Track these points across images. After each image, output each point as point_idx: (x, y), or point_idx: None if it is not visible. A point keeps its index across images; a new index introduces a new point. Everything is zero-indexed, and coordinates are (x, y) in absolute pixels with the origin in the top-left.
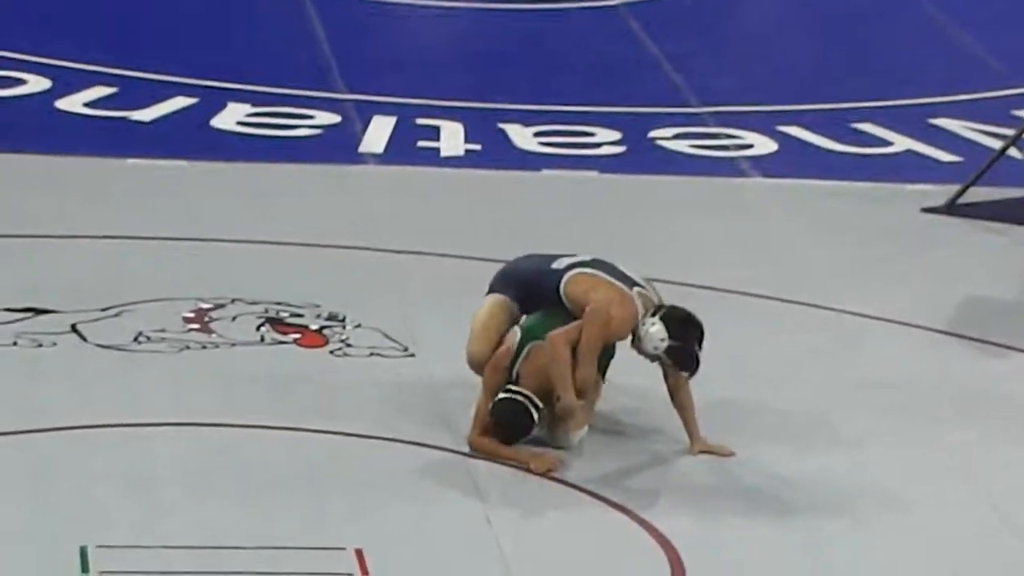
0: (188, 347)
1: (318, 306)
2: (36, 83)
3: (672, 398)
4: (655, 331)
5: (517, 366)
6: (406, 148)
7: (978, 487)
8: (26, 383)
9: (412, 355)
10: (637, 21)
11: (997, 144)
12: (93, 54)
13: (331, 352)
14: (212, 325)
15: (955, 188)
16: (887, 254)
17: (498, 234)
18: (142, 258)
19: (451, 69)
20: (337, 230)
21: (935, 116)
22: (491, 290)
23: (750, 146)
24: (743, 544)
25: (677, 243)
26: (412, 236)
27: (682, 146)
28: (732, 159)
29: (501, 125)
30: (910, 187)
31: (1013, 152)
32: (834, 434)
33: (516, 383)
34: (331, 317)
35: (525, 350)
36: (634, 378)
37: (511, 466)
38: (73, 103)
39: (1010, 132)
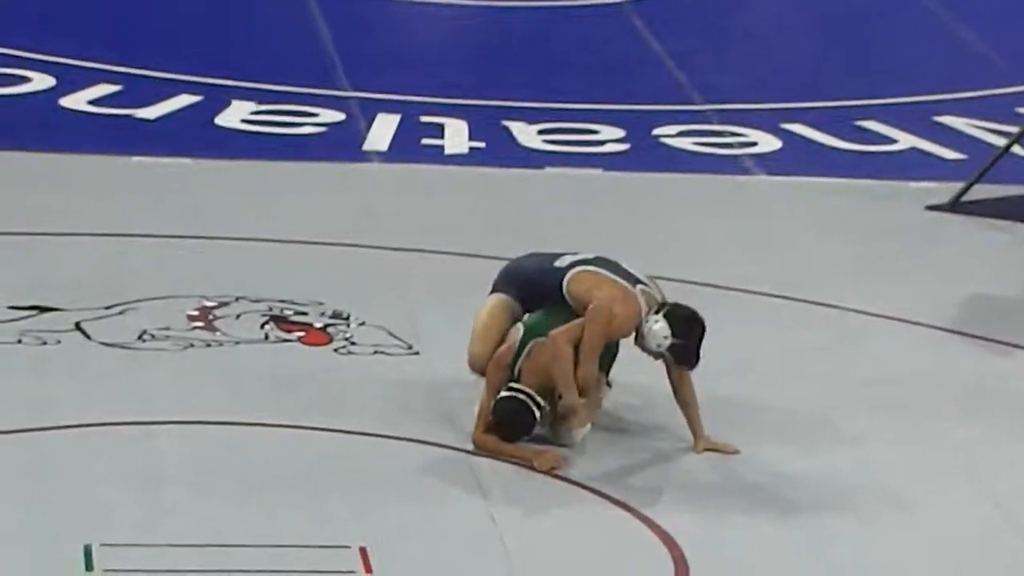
0: (192, 345)
1: (322, 304)
2: (40, 81)
3: (675, 395)
4: (659, 329)
5: (519, 364)
6: (410, 146)
7: (981, 485)
8: (30, 381)
9: (416, 353)
10: (641, 18)
11: (1001, 142)
12: (97, 52)
13: (335, 350)
14: (216, 323)
15: (959, 186)
16: (891, 252)
17: (502, 232)
18: (146, 256)
19: (455, 67)
20: (341, 228)
21: (939, 114)
22: (494, 289)
23: (754, 144)
24: (746, 542)
25: (681, 241)
26: (416, 234)
27: (686, 144)
28: (736, 156)
29: (505, 123)
30: (914, 184)
31: (1017, 149)
32: (837, 432)
33: (518, 381)
34: (335, 315)
35: (527, 348)
36: (637, 376)
37: (514, 464)
38: (77, 101)
39: (1014, 129)
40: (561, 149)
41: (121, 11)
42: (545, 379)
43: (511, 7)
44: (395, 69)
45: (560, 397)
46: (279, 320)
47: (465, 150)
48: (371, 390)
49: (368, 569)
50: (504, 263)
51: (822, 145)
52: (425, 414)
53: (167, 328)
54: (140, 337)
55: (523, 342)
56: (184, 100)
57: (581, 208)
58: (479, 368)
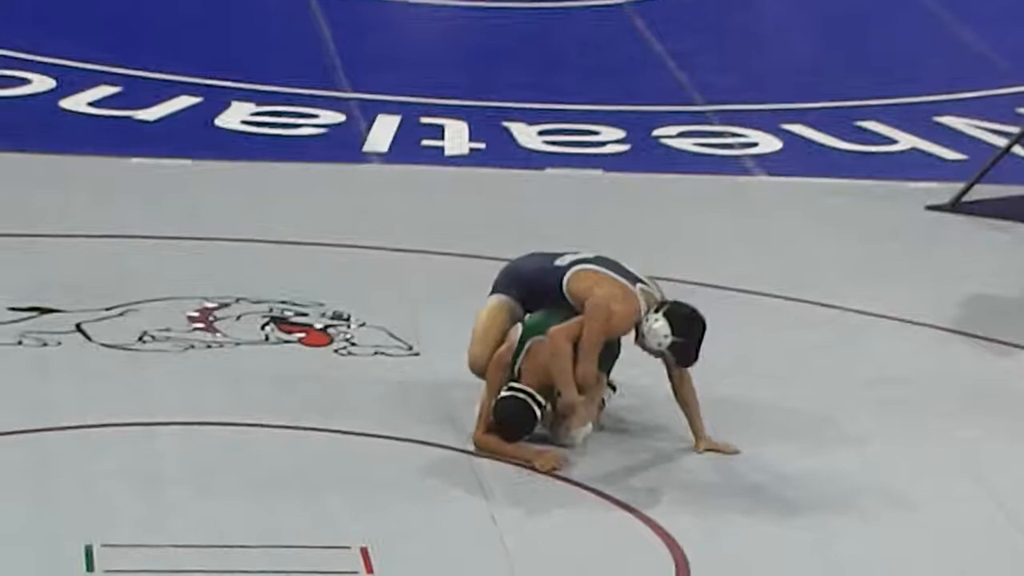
0: (193, 346)
1: (322, 305)
2: (40, 82)
3: (676, 396)
4: (659, 327)
5: (519, 363)
6: (410, 147)
7: (984, 484)
8: (31, 382)
9: (417, 354)
10: (641, 19)
11: (1002, 142)
12: (97, 53)
13: (336, 351)
14: (217, 324)
15: (959, 186)
16: (891, 252)
17: (502, 233)
18: (146, 257)
19: (455, 68)
20: (341, 229)
21: (940, 114)
22: (494, 289)
23: (754, 144)
24: (748, 542)
25: (681, 241)
26: (416, 235)
27: (686, 144)
28: (736, 157)
29: (505, 124)
30: (914, 185)
31: (1018, 150)
32: (839, 432)
33: (518, 380)
34: (335, 316)
35: (526, 346)
36: (639, 376)
37: (515, 464)
38: (77, 102)
39: (1015, 130)
40: (561, 150)
41: (121, 13)
42: (545, 378)
43: (511, 8)
44: (395, 70)
45: (559, 395)
46: (279, 321)
47: (465, 151)
48: (372, 391)
49: (369, 569)
50: (505, 264)
51: (823, 145)
52: (426, 415)
53: (167, 329)
54: (140, 338)
55: (522, 341)
56: (184, 101)
57: (581, 209)
58: (479, 370)
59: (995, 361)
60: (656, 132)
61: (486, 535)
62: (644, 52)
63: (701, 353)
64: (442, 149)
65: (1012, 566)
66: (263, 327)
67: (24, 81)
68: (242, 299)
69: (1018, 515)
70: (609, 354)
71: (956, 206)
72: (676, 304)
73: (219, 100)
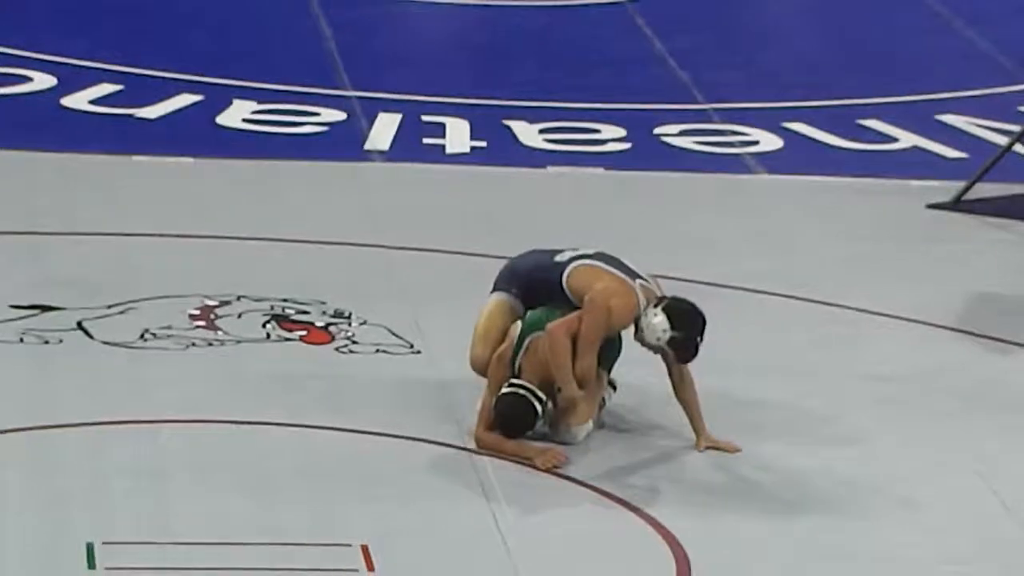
0: (194, 344)
1: (324, 303)
2: (42, 81)
3: (676, 394)
4: (658, 322)
5: (518, 360)
6: (412, 145)
7: (986, 482)
8: (32, 380)
9: (418, 352)
10: (642, 18)
11: (1003, 140)
12: (98, 51)
13: (337, 349)
14: (218, 322)
15: (961, 184)
16: (893, 250)
17: (503, 231)
18: (148, 255)
19: (457, 66)
20: (342, 227)
21: (941, 112)
22: (495, 287)
23: (756, 142)
24: (749, 540)
25: (682, 239)
26: (418, 233)
27: (688, 142)
28: (738, 155)
29: (507, 122)
30: (916, 183)
31: (1019, 148)
32: (840, 429)
33: (519, 377)
34: (337, 314)
35: (525, 343)
36: (640, 374)
37: (517, 462)
38: (79, 100)
39: (1016, 128)
40: (563, 148)
41: (122, 10)
42: (545, 373)
43: (513, 6)
44: (397, 68)
45: (559, 390)
46: (281, 319)
47: (467, 149)
48: (373, 389)
49: (370, 567)
50: (506, 262)
51: (824, 144)
52: (427, 413)
53: (169, 327)
54: (142, 336)
55: (521, 338)
56: (185, 99)
57: (583, 207)
58: (481, 369)
59: (996, 359)
60: (657, 130)
61: (487, 532)
62: (645, 50)
63: (701, 350)
64: (443, 147)
65: (1013, 564)
66: (264, 325)
67: (25, 79)
68: (243, 297)
69: (1019, 512)
70: (611, 352)
71: (957, 204)
72: (675, 299)
73: (221, 98)
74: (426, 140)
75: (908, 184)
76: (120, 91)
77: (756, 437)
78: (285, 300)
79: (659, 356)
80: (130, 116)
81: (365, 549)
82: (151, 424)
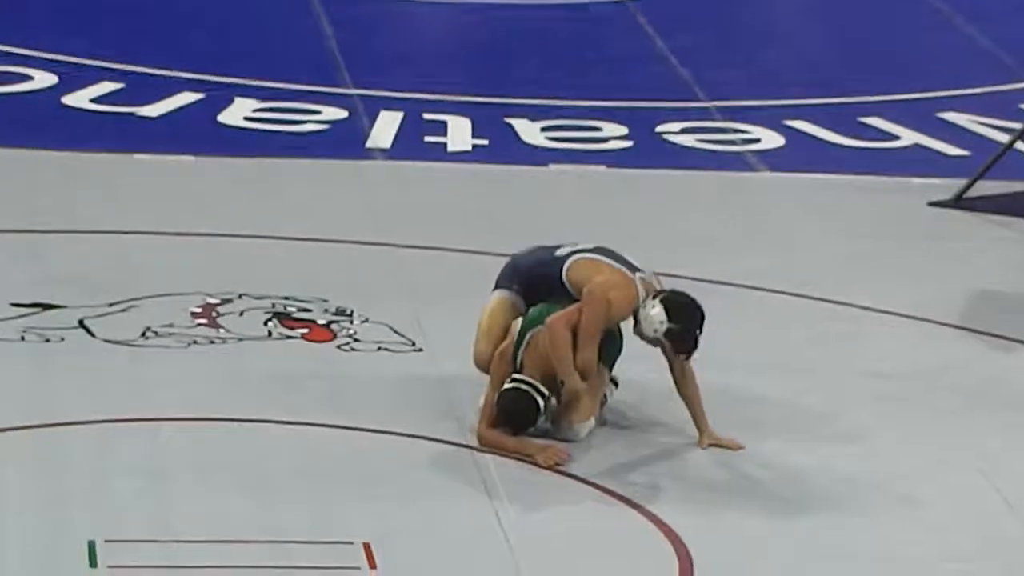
0: (196, 342)
1: (325, 301)
2: (42, 79)
3: (679, 391)
4: (655, 314)
5: (520, 355)
6: (413, 143)
7: (988, 480)
8: (34, 378)
9: (420, 350)
10: (644, 16)
11: (1004, 138)
12: (99, 50)
13: (339, 347)
14: (220, 320)
15: (962, 182)
16: (894, 248)
17: (505, 229)
18: (149, 253)
19: (458, 64)
20: (344, 225)
21: (943, 110)
22: (497, 284)
23: (757, 140)
24: (751, 537)
25: (683, 237)
26: (419, 231)
27: (689, 140)
28: (739, 153)
29: (508, 120)
30: (917, 181)
31: (1020, 146)
32: (842, 427)
33: (520, 372)
34: (339, 312)
35: (526, 338)
36: (641, 370)
37: (518, 459)
38: (80, 99)
39: (1018, 126)
40: (564, 146)
41: (123, 9)
42: (546, 367)
43: (514, 4)
44: (398, 66)
45: (562, 383)
46: (282, 317)
47: (468, 147)
48: (375, 387)
49: (372, 564)
50: (508, 260)
51: (825, 141)
52: (429, 410)
53: (170, 325)
54: (143, 334)
55: (522, 333)
56: (187, 98)
57: (584, 205)
58: (484, 365)
59: (998, 356)
60: (659, 128)
61: (489, 530)
62: (647, 48)
63: (703, 347)
64: (445, 145)
65: (1015, 562)
66: (266, 323)
67: (26, 78)
68: (245, 295)
69: (1021, 510)
70: (612, 349)
71: (959, 202)
72: (673, 292)
73: (222, 96)
74: (428, 138)
75: (909, 182)
76: (121, 89)
77: (757, 434)
78: (287, 298)
79: (661, 352)
80: (131, 114)
81: (367, 547)
82: (153, 422)
